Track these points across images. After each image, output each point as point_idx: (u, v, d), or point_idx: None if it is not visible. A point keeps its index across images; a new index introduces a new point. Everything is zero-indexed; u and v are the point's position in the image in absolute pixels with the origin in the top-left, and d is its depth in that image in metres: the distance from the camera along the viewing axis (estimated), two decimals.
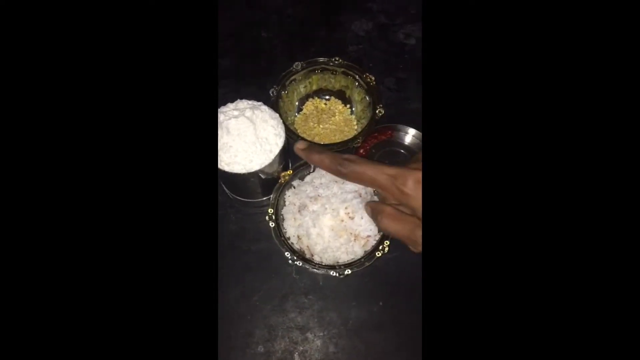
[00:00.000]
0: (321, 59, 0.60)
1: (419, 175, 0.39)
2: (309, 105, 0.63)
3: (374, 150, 0.62)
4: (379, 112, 0.57)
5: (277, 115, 0.50)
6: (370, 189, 0.53)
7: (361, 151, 0.61)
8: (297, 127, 0.62)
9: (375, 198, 0.53)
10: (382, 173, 0.41)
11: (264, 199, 0.56)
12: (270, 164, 0.48)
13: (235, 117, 0.46)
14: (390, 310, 0.53)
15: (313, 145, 0.48)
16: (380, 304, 0.53)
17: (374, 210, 0.45)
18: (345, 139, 0.61)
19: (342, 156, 0.44)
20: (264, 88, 0.65)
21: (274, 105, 0.57)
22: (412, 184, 0.39)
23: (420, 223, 0.39)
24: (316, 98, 0.64)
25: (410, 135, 0.62)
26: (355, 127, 0.62)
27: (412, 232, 0.40)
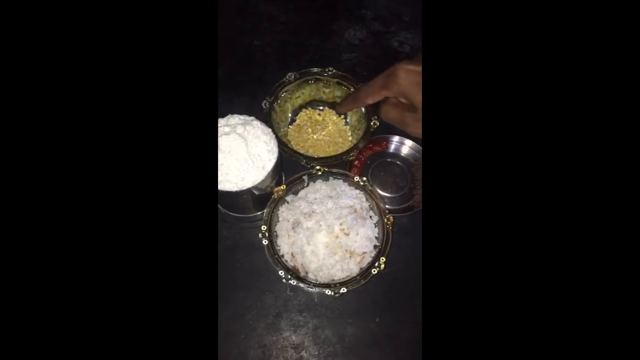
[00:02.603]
0: (314, 70, 0.59)
1: (407, 66, 0.43)
2: (303, 116, 0.62)
3: (369, 162, 0.61)
4: (374, 123, 0.55)
5: (270, 130, 0.48)
6: (365, 203, 0.52)
7: (356, 162, 0.60)
8: (290, 139, 0.60)
9: (372, 212, 0.52)
10: (376, 80, 0.47)
11: (258, 213, 0.55)
12: (263, 181, 0.47)
13: (227, 133, 0.45)
14: (387, 326, 0.52)
15: (346, 97, 0.57)
16: (377, 320, 0.52)
17: (381, 104, 0.50)
18: (340, 151, 0.60)
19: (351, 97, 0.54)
20: (257, 98, 0.64)
21: (267, 117, 0.56)
22: (402, 73, 0.43)
23: (412, 107, 0.45)
24: (310, 108, 0.63)
25: (406, 147, 0.61)
26: (350, 138, 0.61)
27: (403, 115, 0.46)
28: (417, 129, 0.45)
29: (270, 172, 0.47)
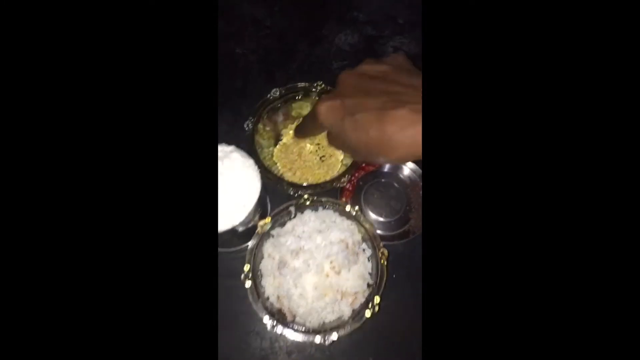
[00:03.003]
0: (302, 84, 0.54)
1: (326, 102, 0.36)
2: (289, 134, 0.57)
3: (361, 183, 0.57)
4: None
5: (251, 161, 0.44)
6: (357, 236, 0.48)
7: (347, 186, 0.56)
8: (276, 160, 0.56)
9: (364, 245, 0.48)
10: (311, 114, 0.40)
11: (242, 246, 0.51)
12: (245, 218, 0.43)
13: None
14: None
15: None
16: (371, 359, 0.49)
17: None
18: (330, 172, 0.55)
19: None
20: (239, 113, 0.59)
21: (249, 139, 0.51)
22: (323, 110, 0.37)
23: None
24: (297, 124, 0.58)
25: (403, 166, 0.57)
26: (341, 157, 0.56)
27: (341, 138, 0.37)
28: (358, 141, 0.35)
29: (252, 209, 0.43)
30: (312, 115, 0.39)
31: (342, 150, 0.46)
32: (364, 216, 0.48)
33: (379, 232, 0.54)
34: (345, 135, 0.35)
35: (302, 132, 0.47)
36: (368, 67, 0.38)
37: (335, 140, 0.40)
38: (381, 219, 0.55)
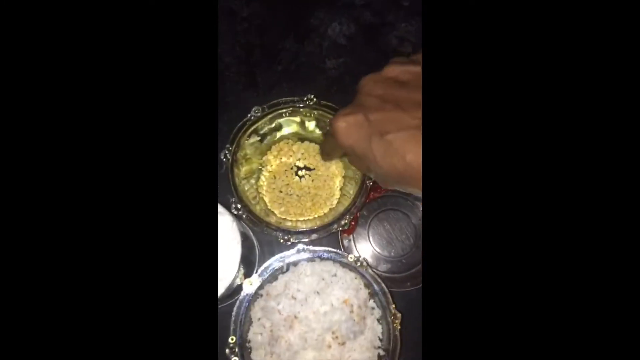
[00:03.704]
0: (287, 99, 0.44)
1: (345, 118, 0.28)
2: (274, 156, 0.47)
3: (365, 213, 0.48)
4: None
5: (229, 216, 0.35)
6: (363, 292, 0.40)
7: None
8: (263, 194, 0.47)
9: (372, 303, 0.40)
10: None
11: (226, 304, 0.42)
12: (226, 291, 0.35)
13: None
14: None
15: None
16: None
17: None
18: (327, 203, 0.46)
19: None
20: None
21: (228, 172, 0.42)
22: (341, 130, 0.28)
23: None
24: (285, 141, 0.48)
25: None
26: (338, 185, 0.47)
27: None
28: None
29: (232, 279, 0.34)
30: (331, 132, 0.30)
31: (367, 174, 0.36)
32: (370, 266, 0.40)
33: (387, 274, 0.46)
34: (373, 160, 0.27)
35: (325, 152, 0.38)
36: (397, 70, 0.29)
37: (359, 163, 0.30)
38: (390, 257, 0.46)
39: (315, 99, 0.43)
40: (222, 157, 0.42)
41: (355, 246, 0.47)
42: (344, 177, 0.47)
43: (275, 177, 0.47)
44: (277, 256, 0.40)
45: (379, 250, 0.47)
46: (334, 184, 0.47)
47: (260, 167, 0.47)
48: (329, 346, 0.37)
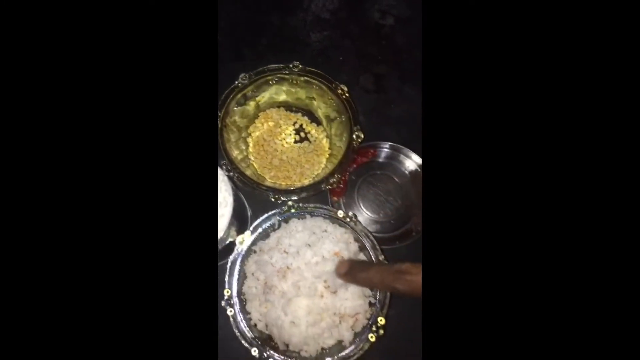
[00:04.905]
0: (273, 66, 0.45)
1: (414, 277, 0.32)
2: (261, 123, 0.49)
3: (354, 177, 0.49)
4: (357, 136, 0.43)
5: (219, 172, 0.36)
6: (353, 245, 0.41)
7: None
8: (253, 160, 0.48)
9: (363, 256, 0.41)
10: (388, 270, 0.34)
11: (221, 263, 0.43)
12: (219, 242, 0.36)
13: None
14: None
15: (354, 264, 0.37)
16: None
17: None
18: (316, 169, 0.48)
19: (393, 268, 0.34)
20: None
21: (218, 137, 0.43)
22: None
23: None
24: (273, 108, 0.49)
25: (400, 154, 0.49)
26: (327, 148, 0.48)
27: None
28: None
29: (225, 226, 0.35)
30: (379, 272, 0.35)
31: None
32: (360, 222, 0.41)
33: (376, 234, 0.47)
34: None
35: (345, 277, 0.38)
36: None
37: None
38: (379, 218, 0.48)
39: (300, 66, 0.45)
40: None
41: (344, 210, 0.48)
42: (331, 141, 0.48)
43: (264, 141, 0.48)
44: (268, 214, 0.41)
45: (368, 213, 0.48)
46: (322, 146, 0.48)
47: (249, 133, 0.48)
48: (322, 295, 0.38)
